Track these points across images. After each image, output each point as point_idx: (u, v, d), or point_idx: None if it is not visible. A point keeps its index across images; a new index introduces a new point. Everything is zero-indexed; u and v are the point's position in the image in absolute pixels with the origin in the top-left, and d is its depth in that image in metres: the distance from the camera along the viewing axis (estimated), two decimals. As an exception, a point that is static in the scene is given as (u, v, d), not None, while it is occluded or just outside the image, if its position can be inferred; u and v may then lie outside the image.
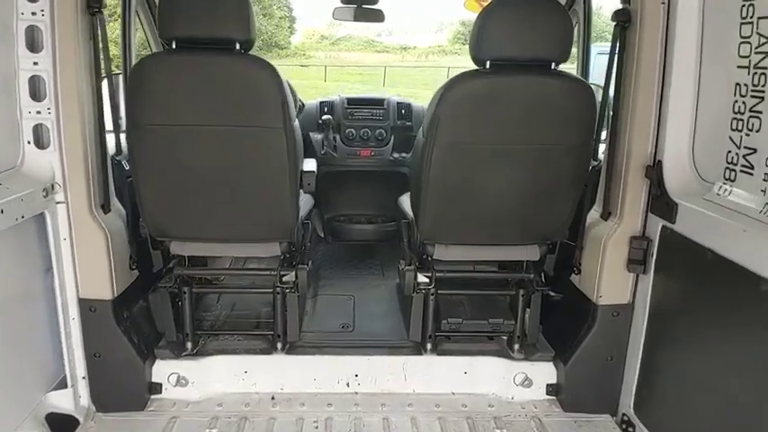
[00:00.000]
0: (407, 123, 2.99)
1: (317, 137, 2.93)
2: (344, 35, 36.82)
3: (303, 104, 3.00)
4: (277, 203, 1.92)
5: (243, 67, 1.73)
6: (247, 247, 2.07)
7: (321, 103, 3.03)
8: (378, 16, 2.91)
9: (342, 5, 2.90)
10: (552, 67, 1.77)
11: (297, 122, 1.91)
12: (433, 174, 1.85)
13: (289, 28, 35.79)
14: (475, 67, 1.83)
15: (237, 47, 1.75)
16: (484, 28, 1.73)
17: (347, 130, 2.95)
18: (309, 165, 2.10)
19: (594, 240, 2.01)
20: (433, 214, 1.95)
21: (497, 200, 1.93)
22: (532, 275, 2.15)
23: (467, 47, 1.88)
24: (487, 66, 1.75)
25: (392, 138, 2.99)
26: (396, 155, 2.97)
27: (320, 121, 2.88)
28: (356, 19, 2.89)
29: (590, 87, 1.80)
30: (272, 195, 1.91)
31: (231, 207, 1.93)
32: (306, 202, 2.26)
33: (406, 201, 2.40)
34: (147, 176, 1.84)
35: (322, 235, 3.19)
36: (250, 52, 1.82)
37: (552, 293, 2.17)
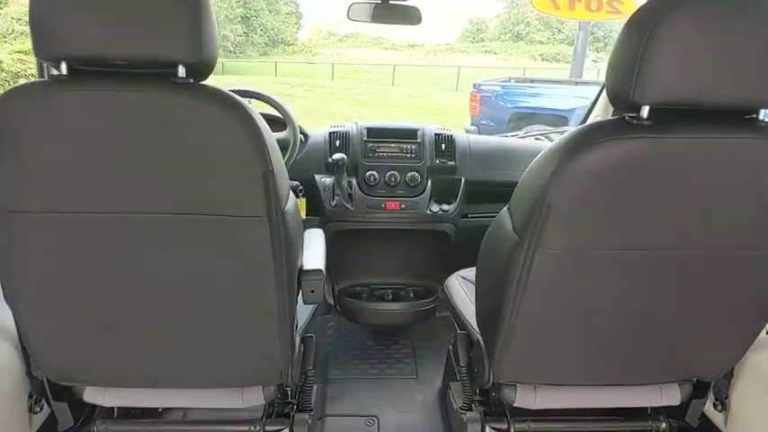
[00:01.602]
0: (449, 163, 2.12)
1: (325, 181, 2.08)
2: (352, 32, 36.08)
3: (307, 136, 2.17)
4: (257, 336, 1.15)
5: (191, 110, 0.93)
6: (211, 395, 1.28)
7: (331, 134, 2.13)
8: (408, 16, 2.10)
9: (359, 2, 2.12)
10: (762, 116, 0.97)
11: (291, 201, 1.12)
12: (529, 292, 1.07)
13: (295, 24, 35.18)
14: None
15: (182, 72, 0.95)
16: (648, 47, 0.90)
17: (367, 173, 2.06)
18: (312, 256, 1.31)
19: (762, 372, 1.29)
20: (519, 347, 1.18)
21: (632, 329, 1.16)
22: (663, 425, 1.40)
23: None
24: (645, 114, 0.96)
25: (428, 183, 2.08)
26: (435, 208, 2.07)
27: (330, 161, 2.04)
28: (374, 20, 2.09)
29: None
30: (248, 324, 1.14)
31: (179, 343, 1.15)
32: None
33: (459, 294, 1.61)
34: (30, 295, 1.07)
35: (331, 302, 2.39)
36: (207, 82, 1.01)
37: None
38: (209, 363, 1.20)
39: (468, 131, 7.69)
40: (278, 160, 1.03)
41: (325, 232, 1.55)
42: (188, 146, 0.95)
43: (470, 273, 1.72)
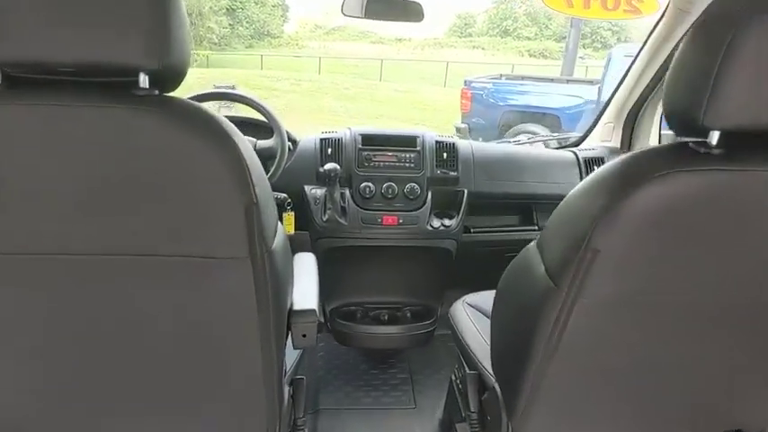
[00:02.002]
0: (451, 174, 1.94)
1: (316, 193, 1.89)
2: (338, 25, 35.69)
3: (295, 142, 1.98)
4: (239, 389, 0.98)
5: (156, 130, 0.75)
6: None
7: (323, 140, 1.94)
8: (408, 12, 1.92)
9: (354, -5, 1.93)
10: None
11: (280, 236, 0.95)
12: (565, 345, 0.91)
13: (282, 16, 34.72)
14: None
15: (143, 82, 0.77)
16: (727, 61, 0.73)
17: (362, 185, 1.87)
18: (303, 291, 1.13)
19: None
20: (546, 402, 1.02)
21: (678, 379, 1.01)
22: None
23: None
24: (714, 140, 0.79)
25: (429, 195, 1.91)
26: (436, 223, 1.89)
27: (322, 171, 1.85)
28: (368, 15, 1.91)
29: None
30: (229, 376, 0.96)
31: (148, 399, 0.98)
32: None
33: (466, 326, 1.44)
34: None
35: (321, 319, 2.21)
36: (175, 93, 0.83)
37: None
38: (183, 420, 1.02)
39: (458, 129, 7.54)
40: (263, 188, 0.85)
41: (315, 249, 1.38)
42: (153, 175, 0.76)
43: (478, 298, 1.56)
